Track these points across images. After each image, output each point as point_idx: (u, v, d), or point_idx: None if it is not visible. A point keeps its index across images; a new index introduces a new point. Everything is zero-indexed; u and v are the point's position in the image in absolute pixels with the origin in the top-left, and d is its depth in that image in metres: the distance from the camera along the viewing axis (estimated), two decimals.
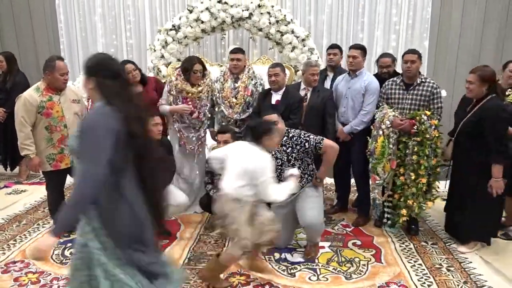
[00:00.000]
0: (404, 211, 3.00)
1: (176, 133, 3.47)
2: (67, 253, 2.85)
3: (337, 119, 3.39)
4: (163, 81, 4.10)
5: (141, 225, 1.58)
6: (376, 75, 3.48)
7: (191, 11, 4.62)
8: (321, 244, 2.96)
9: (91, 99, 3.20)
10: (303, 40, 4.62)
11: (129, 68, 3.39)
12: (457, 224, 2.95)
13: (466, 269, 2.67)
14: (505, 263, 2.73)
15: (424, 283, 2.51)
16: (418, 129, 2.88)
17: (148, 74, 4.42)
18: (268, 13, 4.53)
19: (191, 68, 3.30)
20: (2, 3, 5.62)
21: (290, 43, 4.59)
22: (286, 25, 4.55)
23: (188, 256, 2.83)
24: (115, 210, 1.52)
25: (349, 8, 5.26)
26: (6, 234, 3.20)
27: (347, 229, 3.31)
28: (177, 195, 3.14)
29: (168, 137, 3.45)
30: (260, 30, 4.61)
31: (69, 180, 3.24)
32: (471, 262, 2.76)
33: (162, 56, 4.76)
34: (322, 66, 4.00)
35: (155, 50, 4.78)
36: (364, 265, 2.73)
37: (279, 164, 2.83)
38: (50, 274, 2.59)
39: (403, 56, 3.13)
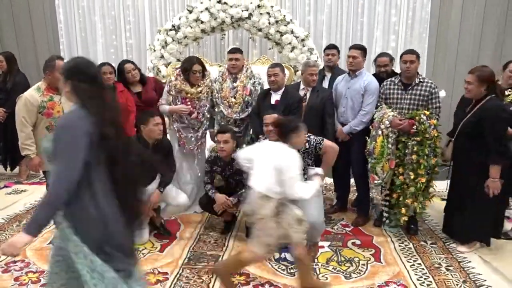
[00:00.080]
0: (404, 210, 3.01)
1: (176, 133, 3.48)
2: None
3: (336, 119, 3.40)
4: (163, 81, 4.11)
5: (110, 229, 1.57)
6: (374, 75, 3.49)
7: (190, 11, 4.63)
8: (320, 243, 2.97)
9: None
10: (302, 40, 4.63)
11: (128, 67, 3.40)
12: (457, 225, 2.95)
13: (465, 269, 2.68)
14: (504, 262, 2.74)
15: (424, 282, 2.52)
16: (418, 129, 2.89)
17: (148, 74, 4.43)
18: (268, 13, 4.54)
19: (190, 68, 3.31)
20: (1, 3, 5.62)
21: (290, 43, 4.60)
22: (285, 25, 4.56)
23: (188, 256, 2.84)
24: (85, 212, 1.53)
25: (349, 8, 5.28)
26: (6, 234, 3.20)
27: (346, 228, 3.32)
28: (177, 195, 3.14)
29: (168, 136, 3.45)
30: (260, 30, 4.62)
31: None
32: (470, 261, 2.77)
33: (162, 56, 4.77)
34: (321, 67, 4.00)
35: (154, 50, 4.79)
36: (363, 264, 2.74)
37: None
38: None
39: (401, 56, 3.13)
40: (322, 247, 2.96)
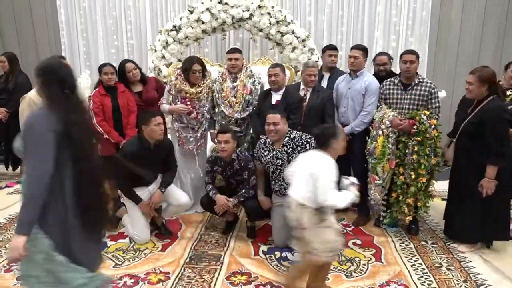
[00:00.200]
0: (406, 210, 3.03)
1: (175, 132, 3.49)
2: None
3: (337, 119, 3.41)
4: (163, 81, 4.12)
5: (69, 233, 1.59)
6: (374, 75, 3.50)
7: (191, 12, 4.64)
8: None
9: (92, 100, 3.22)
10: (303, 40, 4.63)
11: (129, 67, 3.42)
12: (457, 225, 2.96)
13: (466, 268, 2.69)
14: (504, 262, 2.75)
15: (424, 282, 2.53)
16: (418, 129, 2.90)
17: (149, 75, 4.44)
18: (269, 13, 4.54)
19: (190, 68, 3.32)
20: (3, 3, 5.64)
21: (291, 43, 4.61)
22: (286, 26, 4.57)
23: (189, 256, 2.85)
24: (46, 213, 1.55)
25: (349, 9, 5.28)
26: (7, 234, 3.22)
27: (347, 228, 3.32)
28: (179, 195, 3.15)
29: (169, 136, 3.46)
30: (261, 30, 4.63)
31: None
32: (470, 261, 2.78)
33: (163, 57, 4.78)
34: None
35: (155, 51, 4.79)
36: (364, 264, 2.75)
37: (279, 164, 2.85)
38: None
39: (401, 56, 3.14)
40: None
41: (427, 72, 5.23)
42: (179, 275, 2.60)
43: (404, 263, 2.76)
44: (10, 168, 4.65)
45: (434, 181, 3.07)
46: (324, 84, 3.67)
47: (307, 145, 2.79)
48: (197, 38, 4.79)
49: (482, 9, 5.17)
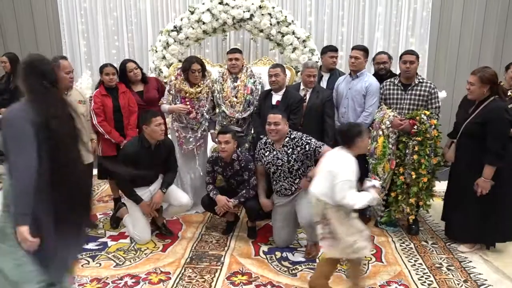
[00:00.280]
0: (408, 210, 3.04)
1: (175, 132, 3.50)
2: None
3: (337, 119, 3.42)
4: (164, 81, 4.13)
5: (41, 228, 1.58)
6: (374, 75, 3.51)
7: (192, 12, 4.65)
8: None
9: (93, 100, 3.23)
10: (304, 41, 4.64)
11: (130, 66, 3.43)
12: (457, 225, 2.96)
13: (466, 268, 2.69)
14: (504, 262, 2.76)
15: (425, 282, 2.54)
16: (419, 129, 2.91)
17: (150, 75, 4.44)
18: (269, 14, 4.55)
19: (189, 67, 3.34)
20: (4, 4, 5.65)
21: (291, 44, 4.62)
22: (287, 26, 4.58)
23: (190, 256, 2.86)
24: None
25: (350, 9, 5.28)
26: None
27: None
28: (179, 196, 3.15)
29: (169, 136, 3.47)
30: (261, 31, 4.63)
31: None
32: (471, 261, 2.78)
33: (164, 57, 4.78)
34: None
35: (156, 51, 4.80)
36: (364, 264, 2.75)
37: (280, 164, 2.85)
38: None
39: (401, 56, 3.15)
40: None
41: (428, 73, 5.23)
42: (180, 275, 2.60)
43: (404, 263, 2.76)
44: None
45: (437, 181, 3.07)
46: (323, 84, 3.67)
47: (307, 146, 2.80)
48: (197, 39, 4.80)
49: (483, 9, 5.17)
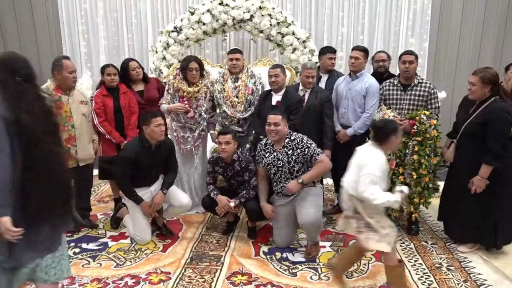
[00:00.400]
0: (412, 209, 3.05)
1: (173, 132, 3.51)
2: (70, 252, 2.88)
3: (336, 120, 3.42)
4: (163, 81, 4.14)
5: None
6: (373, 74, 3.52)
7: (192, 13, 4.66)
8: (322, 243, 2.99)
9: (94, 100, 3.24)
10: (304, 41, 4.65)
11: (133, 65, 3.45)
12: (456, 226, 2.96)
13: (466, 268, 2.69)
14: (504, 262, 2.76)
15: (425, 281, 2.54)
16: (418, 129, 2.91)
17: (150, 76, 4.45)
18: (269, 15, 4.56)
19: (187, 66, 3.35)
20: (4, 4, 5.66)
21: (291, 44, 4.62)
22: (287, 27, 4.58)
23: (190, 256, 2.86)
24: None
25: (349, 10, 5.30)
26: None
27: None
28: (180, 196, 3.16)
29: (168, 136, 3.48)
30: (261, 32, 4.64)
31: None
32: (470, 261, 2.79)
33: (164, 58, 4.79)
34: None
35: (156, 52, 4.81)
36: (365, 264, 2.75)
37: (280, 165, 2.86)
38: None
39: (400, 57, 3.16)
40: (324, 247, 2.98)
41: (427, 73, 5.24)
42: (180, 275, 2.61)
43: (404, 263, 2.76)
44: None
45: (438, 182, 3.09)
46: (322, 85, 3.68)
47: (306, 149, 2.80)
48: (198, 39, 4.81)
49: (482, 10, 5.18)
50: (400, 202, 2.25)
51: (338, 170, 3.64)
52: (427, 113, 2.97)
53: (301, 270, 2.69)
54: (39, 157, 1.57)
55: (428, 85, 3.09)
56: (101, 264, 2.74)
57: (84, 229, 3.26)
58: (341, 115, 3.40)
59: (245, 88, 3.46)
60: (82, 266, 2.71)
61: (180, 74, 3.42)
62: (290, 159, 2.83)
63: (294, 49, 4.64)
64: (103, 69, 3.30)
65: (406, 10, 5.22)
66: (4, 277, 1.61)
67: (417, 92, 3.08)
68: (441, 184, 3.17)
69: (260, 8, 4.55)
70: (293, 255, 2.88)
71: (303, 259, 2.82)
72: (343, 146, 3.38)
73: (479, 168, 2.69)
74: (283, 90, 3.33)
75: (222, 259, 2.81)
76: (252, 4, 4.54)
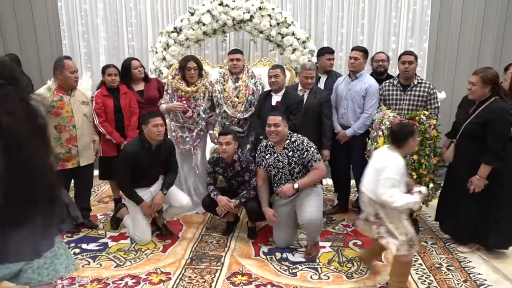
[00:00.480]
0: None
1: (172, 132, 3.51)
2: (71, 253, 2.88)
3: (336, 120, 3.43)
4: (163, 81, 4.14)
5: None
6: (372, 74, 3.53)
7: (192, 14, 4.66)
8: (322, 244, 2.99)
9: (94, 101, 3.24)
10: (303, 42, 4.65)
11: (135, 64, 3.47)
12: (455, 226, 2.96)
13: (466, 268, 2.70)
14: (504, 262, 2.77)
15: (425, 281, 2.54)
16: (418, 129, 2.92)
17: (150, 76, 4.45)
18: (269, 15, 4.56)
19: (185, 65, 3.36)
20: (4, 5, 5.66)
21: (291, 45, 4.63)
22: (286, 27, 4.59)
23: (190, 256, 2.86)
24: None
25: (349, 10, 5.30)
26: None
27: (347, 229, 3.34)
28: (180, 197, 3.16)
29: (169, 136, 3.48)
30: (261, 32, 4.65)
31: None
32: (470, 261, 2.79)
33: (164, 58, 4.80)
34: None
35: (156, 52, 4.82)
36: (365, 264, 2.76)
37: (281, 167, 2.86)
38: None
39: (400, 57, 3.17)
40: (324, 247, 2.98)
41: (427, 73, 5.24)
42: (180, 275, 2.61)
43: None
44: None
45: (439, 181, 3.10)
46: (321, 86, 3.68)
47: (305, 153, 2.80)
48: (197, 40, 4.81)
49: (482, 10, 5.19)
50: (420, 203, 2.27)
51: (337, 170, 3.70)
52: (427, 113, 2.97)
53: (301, 270, 2.69)
54: (22, 159, 1.55)
55: (427, 85, 3.10)
56: (101, 265, 2.74)
57: (84, 230, 3.26)
58: (340, 115, 3.40)
59: (246, 88, 3.47)
60: (82, 266, 2.71)
61: (179, 74, 3.43)
62: (290, 160, 2.83)
63: (294, 50, 4.65)
64: (104, 70, 3.30)
65: (406, 11, 5.23)
66: None
67: (417, 93, 3.09)
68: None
69: (260, 8, 4.56)
70: (293, 255, 2.88)
71: (303, 259, 2.83)
72: (343, 146, 3.40)
73: (479, 168, 2.70)
74: (283, 91, 3.33)
75: (222, 259, 2.81)
76: (252, 5, 4.55)
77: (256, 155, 3.02)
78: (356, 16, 5.30)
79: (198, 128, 3.50)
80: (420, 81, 3.12)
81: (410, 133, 2.26)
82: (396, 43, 5.30)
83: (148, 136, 2.93)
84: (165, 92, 3.48)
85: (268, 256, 2.86)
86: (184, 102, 3.42)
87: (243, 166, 3.04)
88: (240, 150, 3.11)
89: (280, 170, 2.87)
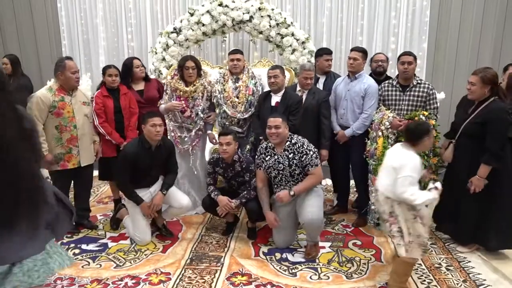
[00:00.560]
0: None
1: (171, 132, 3.51)
2: (70, 253, 2.88)
3: (335, 121, 3.43)
4: (163, 82, 4.15)
5: None
6: (371, 75, 3.53)
7: (192, 14, 4.67)
8: (321, 244, 2.99)
9: (94, 101, 3.25)
10: (303, 42, 4.66)
11: (137, 63, 3.50)
12: (455, 227, 2.96)
13: (465, 268, 2.70)
14: (503, 262, 2.77)
15: (424, 281, 2.55)
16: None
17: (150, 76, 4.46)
18: (269, 16, 4.57)
19: (183, 65, 3.37)
20: (3, 5, 5.67)
21: (290, 45, 4.63)
22: (286, 28, 4.59)
23: (190, 257, 2.86)
24: None
25: (349, 11, 5.31)
26: None
27: (347, 229, 3.34)
28: (180, 197, 3.16)
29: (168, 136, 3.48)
30: (261, 33, 4.65)
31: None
32: (469, 261, 2.79)
33: (163, 59, 4.80)
34: None
35: (156, 53, 4.82)
36: (364, 264, 2.76)
37: (281, 169, 2.86)
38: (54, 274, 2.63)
39: (399, 58, 3.18)
40: (323, 247, 2.98)
41: (426, 74, 5.25)
42: (180, 276, 2.61)
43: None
44: None
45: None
46: (320, 87, 3.68)
47: (304, 156, 2.80)
48: (197, 41, 4.82)
49: (481, 11, 5.20)
50: (437, 199, 2.29)
51: (336, 170, 3.71)
52: (426, 113, 2.98)
53: (301, 270, 2.69)
54: (10, 162, 1.55)
55: (426, 86, 3.11)
56: (101, 265, 2.74)
57: (83, 230, 3.26)
58: (340, 116, 3.41)
59: (246, 88, 3.47)
60: (82, 267, 2.71)
61: (178, 75, 3.44)
62: (291, 162, 2.82)
63: (294, 50, 4.65)
64: (104, 70, 3.31)
65: (405, 11, 5.24)
66: None
67: (416, 93, 3.10)
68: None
69: (259, 9, 4.56)
70: (293, 255, 2.89)
71: (303, 260, 2.83)
72: (342, 147, 3.40)
73: (478, 168, 2.70)
74: (282, 91, 3.33)
75: (222, 259, 2.82)
76: (252, 5, 4.56)
77: (256, 156, 3.02)
78: (355, 17, 5.31)
79: (196, 128, 3.50)
80: (419, 81, 3.13)
81: (425, 132, 2.29)
82: (396, 44, 5.31)
83: (147, 136, 2.93)
84: (164, 93, 3.49)
85: (268, 256, 2.87)
86: (183, 101, 3.42)
87: (244, 166, 3.05)
88: (240, 150, 3.11)
89: (281, 172, 2.87)
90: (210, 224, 3.43)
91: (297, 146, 2.83)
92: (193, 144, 3.52)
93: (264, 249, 2.98)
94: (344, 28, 5.35)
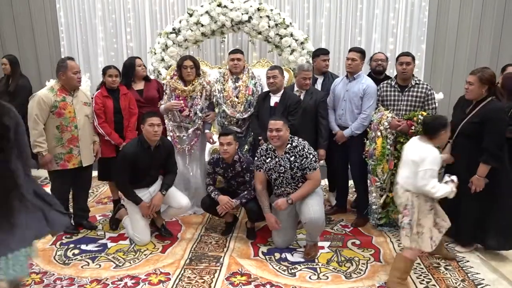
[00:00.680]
0: None
1: (169, 132, 3.52)
2: (69, 254, 2.88)
3: (334, 121, 3.44)
4: (162, 82, 4.15)
5: None
6: (370, 74, 3.54)
7: (191, 15, 4.67)
8: (320, 244, 3.00)
9: (94, 101, 3.25)
10: (302, 43, 4.67)
11: (139, 62, 3.52)
12: (454, 227, 2.97)
13: (464, 268, 2.71)
14: (502, 262, 2.78)
15: (423, 280, 2.56)
16: (416, 130, 2.94)
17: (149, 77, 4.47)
18: (267, 16, 4.58)
19: (182, 64, 3.39)
20: (3, 6, 5.66)
21: (289, 46, 4.64)
22: (285, 28, 4.60)
23: (189, 257, 2.87)
24: None
25: (347, 12, 5.33)
26: None
27: (346, 229, 3.35)
28: (179, 197, 3.16)
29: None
30: (260, 33, 4.66)
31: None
32: (468, 261, 2.80)
33: (162, 59, 4.80)
34: None
35: (155, 53, 4.82)
36: (363, 264, 2.77)
37: (282, 171, 2.85)
38: (54, 274, 2.63)
39: (397, 58, 3.19)
40: (322, 247, 2.99)
41: (425, 74, 5.28)
42: (180, 276, 2.61)
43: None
44: None
45: None
46: (318, 87, 3.69)
47: (304, 159, 2.79)
48: (196, 41, 4.82)
49: (479, 11, 5.22)
50: (454, 192, 2.35)
51: (333, 170, 3.71)
52: (425, 113, 2.99)
53: (300, 270, 2.70)
54: None
55: (425, 86, 3.12)
56: (100, 265, 2.74)
57: (83, 231, 3.26)
58: (338, 116, 3.41)
59: (246, 88, 3.48)
60: (82, 267, 2.71)
61: (177, 74, 3.45)
62: (292, 165, 2.82)
63: (292, 51, 4.66)
64: (104, 70, 3.31)
65: (404, 12, 5.26)
66: None
67: (414, 93, 3.11)
68: None
69: (258, 9, 4.57)
70: (292, 255, 2.89)
71: (302, 260, 2.84)
72: (340, 147, 3.41)
73: (476, 167, 2.71)
74: (281, 91, 3.34)
75: (221, 259, 2.82)
76: (251, 6, 4.56)
77: (256, 158, 3.00)
78: (354, 17, 5.33)
79: (195, 127, 3.50)
80: (417, 82, 3.15)
81: (442, 125, 2.33)
82: (394, 44, 5.33)
83: (145, 136, 2.93)
84: (164, 93, 3.50)
85: (267, 256, 2.87)
86: (181, 101, 3.42)
87: (244, 166, 3.05)
88: (239, 150, 3.12)
89: (282, 175, 2.86)
90: (209, 224, 3.44)
91: (298, 149, 2.82)
92: (191, 143, 3.52)
93: (264, 249, 2.99)
94: (343, 29, 5.36)
